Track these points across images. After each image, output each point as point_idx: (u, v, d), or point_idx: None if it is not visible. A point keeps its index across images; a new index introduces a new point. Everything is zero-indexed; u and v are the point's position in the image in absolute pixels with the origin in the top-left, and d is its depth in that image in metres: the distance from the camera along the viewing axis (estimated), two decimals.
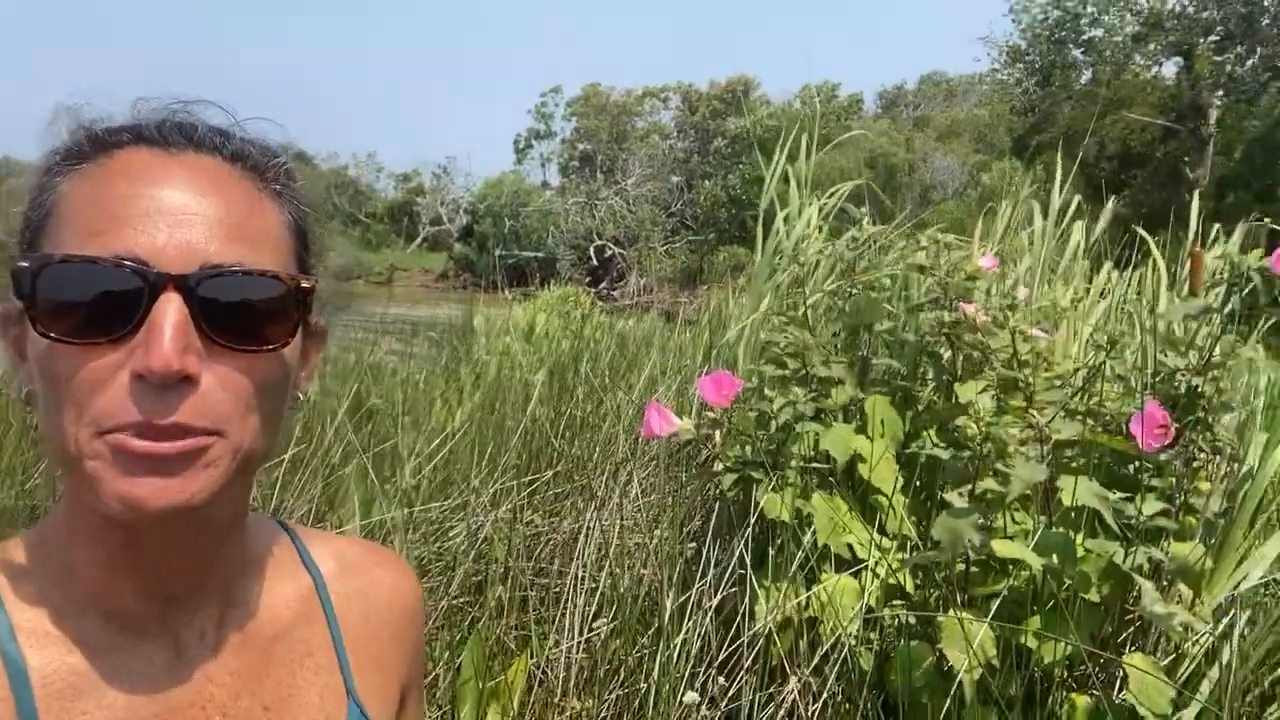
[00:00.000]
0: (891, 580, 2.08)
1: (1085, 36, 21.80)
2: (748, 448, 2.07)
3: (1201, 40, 17.53)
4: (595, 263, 29.21)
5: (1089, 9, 21.45)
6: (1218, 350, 2.15)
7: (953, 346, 2.39)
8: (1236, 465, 2.20)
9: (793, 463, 2.06)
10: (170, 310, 0.54)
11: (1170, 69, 20.59)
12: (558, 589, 2.29)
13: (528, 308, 10.26)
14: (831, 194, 2.94)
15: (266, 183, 0.62)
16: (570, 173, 33.82)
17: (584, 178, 31.65)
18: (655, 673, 1.84)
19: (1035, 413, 1.82)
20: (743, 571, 1.96)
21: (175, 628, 0.64)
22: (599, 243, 28.66)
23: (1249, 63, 16.62)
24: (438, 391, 4.57)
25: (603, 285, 26.65)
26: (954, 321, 2.29)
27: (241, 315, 0.57)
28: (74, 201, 0.57)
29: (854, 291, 2.39)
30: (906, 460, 2.29)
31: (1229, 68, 16.82)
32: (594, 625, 2.14)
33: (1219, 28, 17.16)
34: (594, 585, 2.25)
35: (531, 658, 2.10)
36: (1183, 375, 2.13)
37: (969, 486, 1.75)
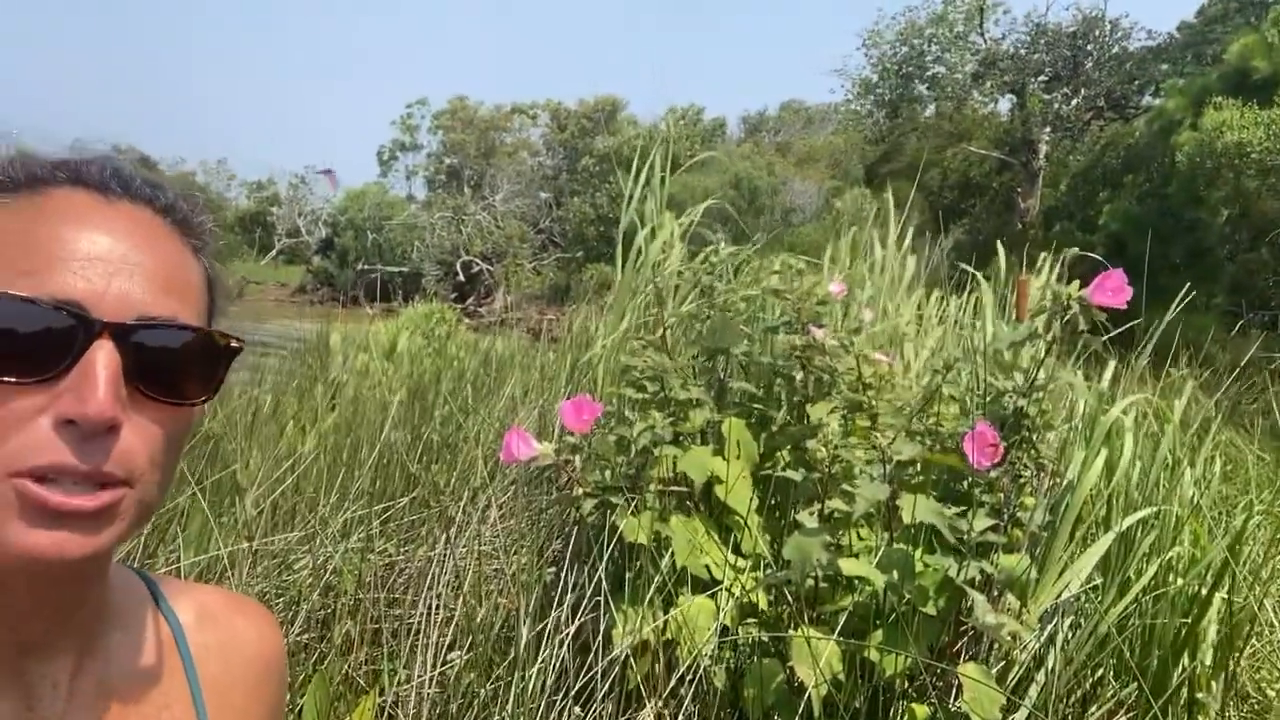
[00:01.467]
0: (746, 600, 2.12)
1: (930, 73, 23.22)
2: (607, 472, 2.07)
3: (1032, 80, 19.07)
4: (462, 279, 28.76)
5: (933, 47, 22.88)
6: (1041, 374, 2.31)
7: (804, 369, 2.47)
8: (1058, 481, 2.37)
9: (651, 486, 2.07)
10: (105, 358, 0.54)
11: (1005, 105, 22.23)
12: (411, 620, 2.21)
13: (390, 324, 9.98)
14: (685, 212, 3.00)
15: (189, 237, 0.64)
16: (437, 186, 33.21)
17: (450, 192, 31.13)
18: (510, 704, 1.81)
19: (879, 434, 1.90)
20: (600, 598, 1.96)
21: (28, 678, 0.61)
22: (466, 258, 28.23)
23: (1074, 102, 18.19)
24: (289, 414, 4.36)
25: (469, 302, 26.25)
26: (805, 345, 2.37)
27: (169, 368, 0.58)
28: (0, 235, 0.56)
29: (710, 314, 2.43)
30: (762, 481, 2.35)
31: (1056, 106, 18.36)
32: (448, 658, 2.08)
33: (1047, 69, 18.73)
34: (449, 615, 2.19)
35: (381, 695, 2.02)
36: (1010, 397, 2.27)
37: (818, 506, 1.81)
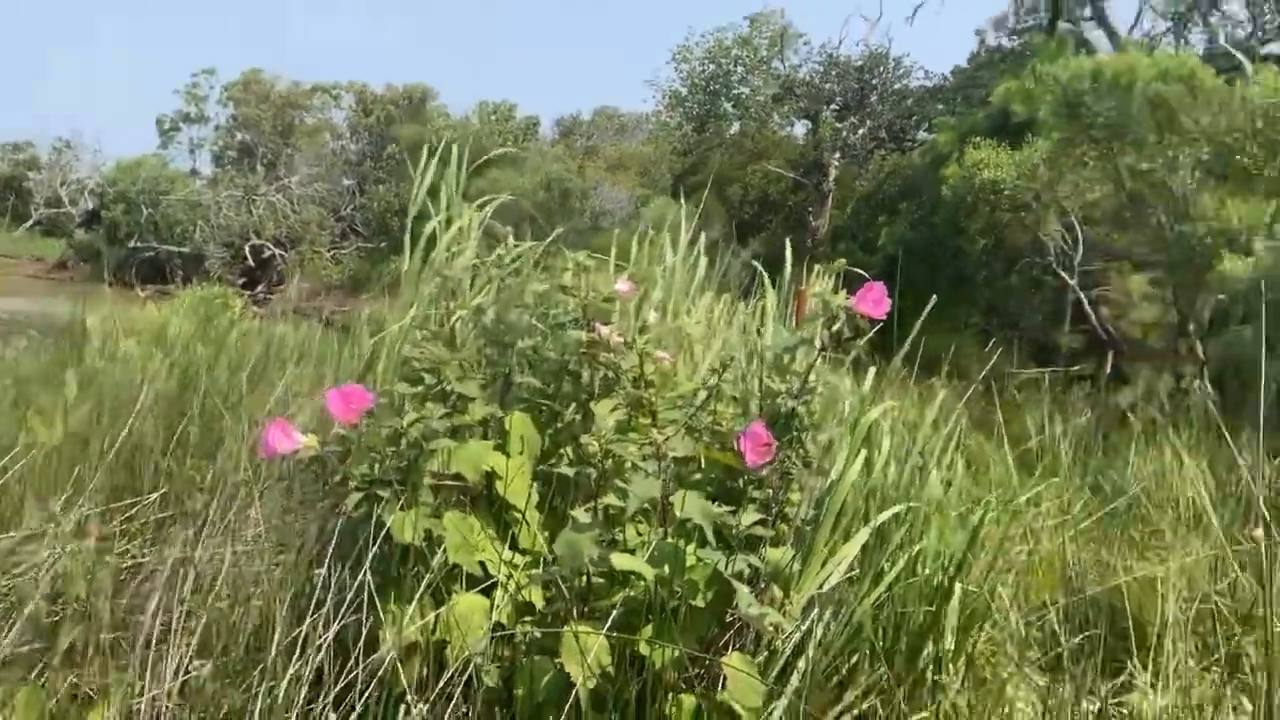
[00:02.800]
0: (522, 597, 2.09)
1: (735, 92, 24.25)
2: (377, 466, 1.98)
3: (825, 108, 20.42)
4: (251, 263, 26.86)
5: (738, 68, 23.92)
6: (812, 377, 2.44)
7: (590, 367, 2.47)
8: (823, 479, 2.51)
9: (424, 481, 2.00)
10: None
11: (801, 129, 23.61)
12: (159, 627, 2.01)
13: (164, 308, 9.16)
14: (483, 204, 2.94)
15: None
16: (225, 163, 30.85)
17: (241, 170, 29.02)
18: (258, 714, 1.67)
19: (656, 431, 1.93)
20: (363, 599, 1.86)
21: None
22: (256, 242, 26.40)
23: (860, 131, 19.68)
24: (33, 403, 3.87)
25: (259, 289, 24.58)
26: (590, 342, 2.37)
27: None
28: None
29: (497, 307, 2.39)
30: (546, 478, 2.33)
31: (845, 134, 19.79)
32: (193, 667, 1.91)
33: (838, 99, 20.14)
34: (199, 621, 2.01)
35: (110, 709, 1.81)
36: (783, 399, 2.38)
37: (594, 503, 1.81)
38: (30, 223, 32.47)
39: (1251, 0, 15.91)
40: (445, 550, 1.97)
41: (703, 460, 2.38)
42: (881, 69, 19.86)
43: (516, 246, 2.79)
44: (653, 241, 3.27)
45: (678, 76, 24.68)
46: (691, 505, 1.85)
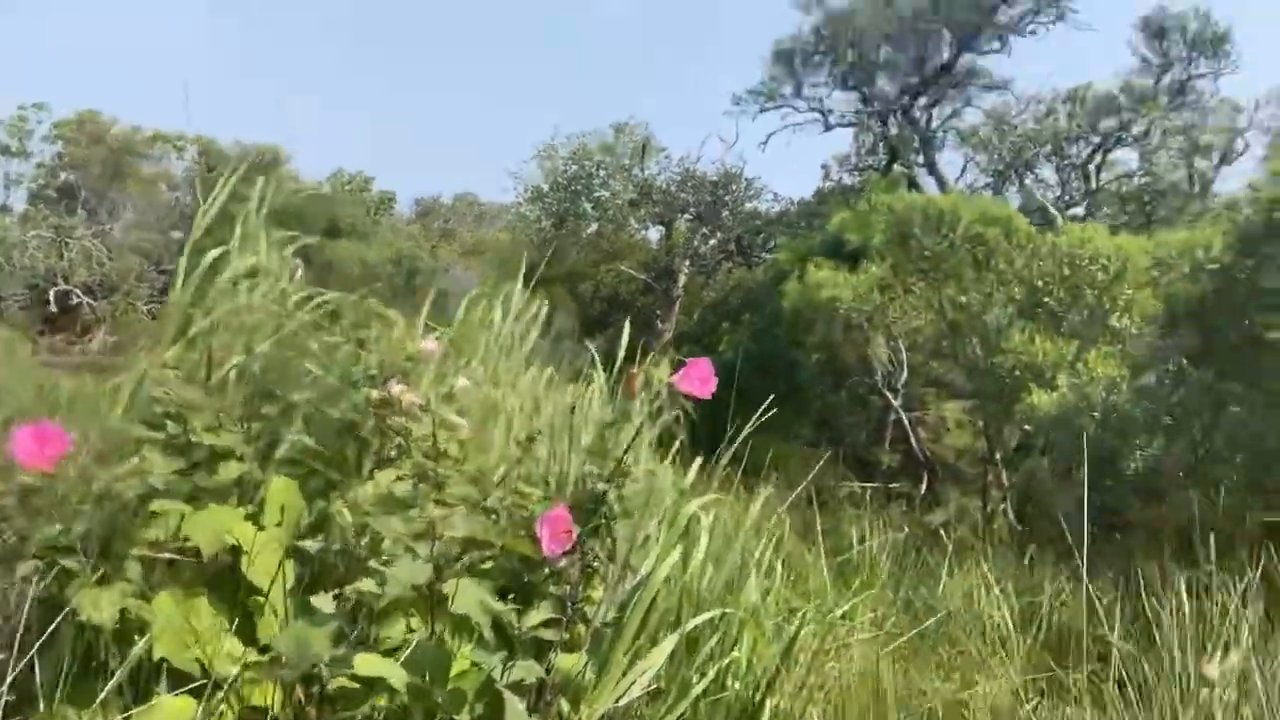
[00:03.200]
0: (256, 700, 1.70)
1: (595, 194, 24.74)
2: (73, 527, 1.57)
3: (679, 216, 21.11)
4: (55, 309, 24.55)
5: (600, 172, 24.47)
6: (631, 461, 2.21)
7: (380, 431, 2.16)
8: (632, 575, 2.26)
9: (133, 550, 1.60)
10: None
11: (655, 235, 24.24)
12: None
13: None
14: (289, 241, 2.59)
15: None
16: (40, 201, 28.42)
17: (57, 210, 26.77)
18: None
19: (432, 506, 1.63)
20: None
21: None
22: (63, 287, 24.20)
23: (711, 242, 20.40)
24: None
25: (59, 337, 22.40)
26: (380, 401, 2.07)
27: None
28: None
29: (270, 351, 2.05)
30: (303, 557, 1.96)
31: (696, 243, 20.44)
32: None
33: (692, 209, 20.89)
34: None
35: None
36: (593, 479, 2.14)
37: (340, 589, 1.48)
38: None
39: (1060, 167, 17.87)
40: (151, 640, 1.56)
41: (489, 546, 2.09)
42: (734, 186, 20.81)
43: (314, 292, 2.47)
44: (483, 307, 3.02)
45: (540, 172, 24.98)
46: (467, 596, 1.55)
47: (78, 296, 24.44)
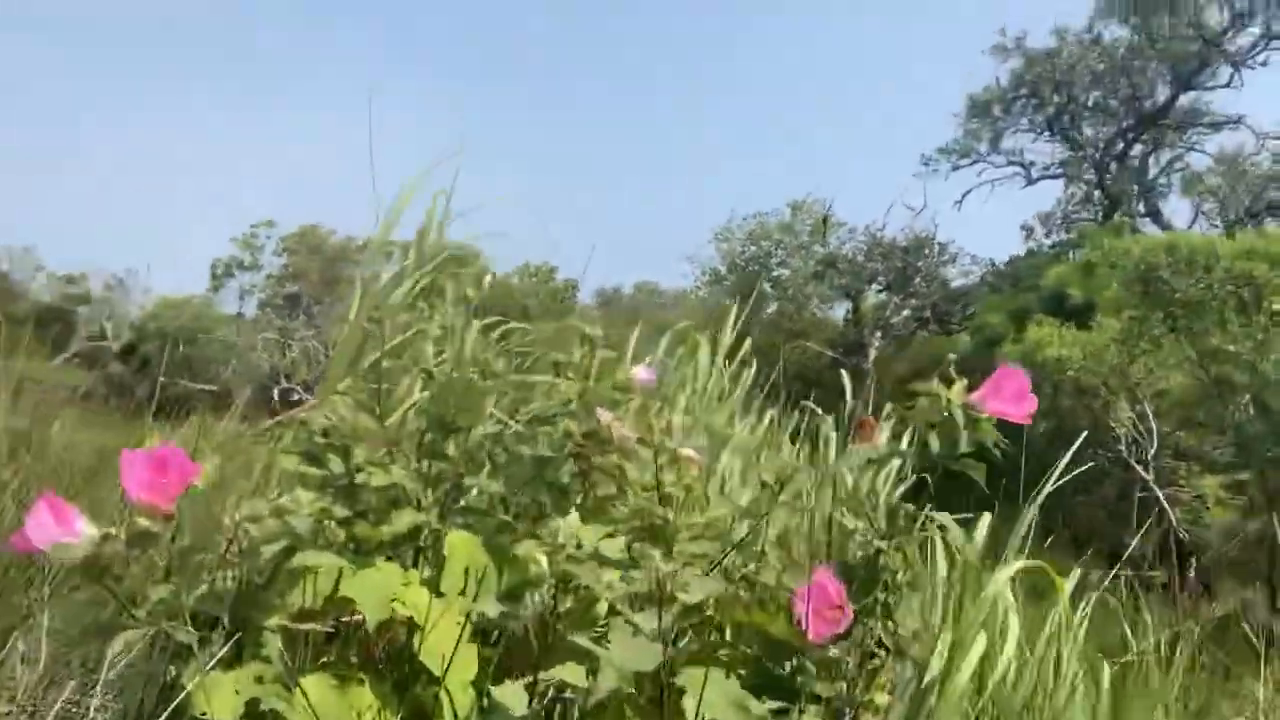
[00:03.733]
0: None
1: (774, 274, 24.33)
2: (202, 587, 1.19)
3: (867, 287, 20.22)
4: (279, 406, 26.72)
5: (779, 251, 24.08)
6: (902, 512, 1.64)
7: (582, 471, 1.71)
8: (915, 670, 1.66)
9: (273, 620, 1.20)
10: None
11: (840, 311, 23.40)
12: None
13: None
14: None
15: None
16: (268, 307, 31.42)
17: (281, 315, 29.44)
18: None
19: (659, 559, 1.13)
20: None
21: None
22: (285, 385, 26.29)
23: (904, 313, 19.33)
24: None
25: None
26: (588, 434, 1.62)
27: None
28: None
29: (448, 373, 1.65)
30: (491, 633, 1.51)
31: (887, 314, 19.42)
32: None
33: (880, 278, 19.95)
34: None
35: None
36: (862, 538, 1.58)
37: (534, 673, 1.01)
38: (69, 353, 32.84)
39: None
40: None
41: (733, 628, 1.57)
42: (927, 251, 19.74)
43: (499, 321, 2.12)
44: (688, 344, 2.59)
45: (718, 255, 24.90)
46: (718, 694, 1.03)
47: (299, 393, 26.46)
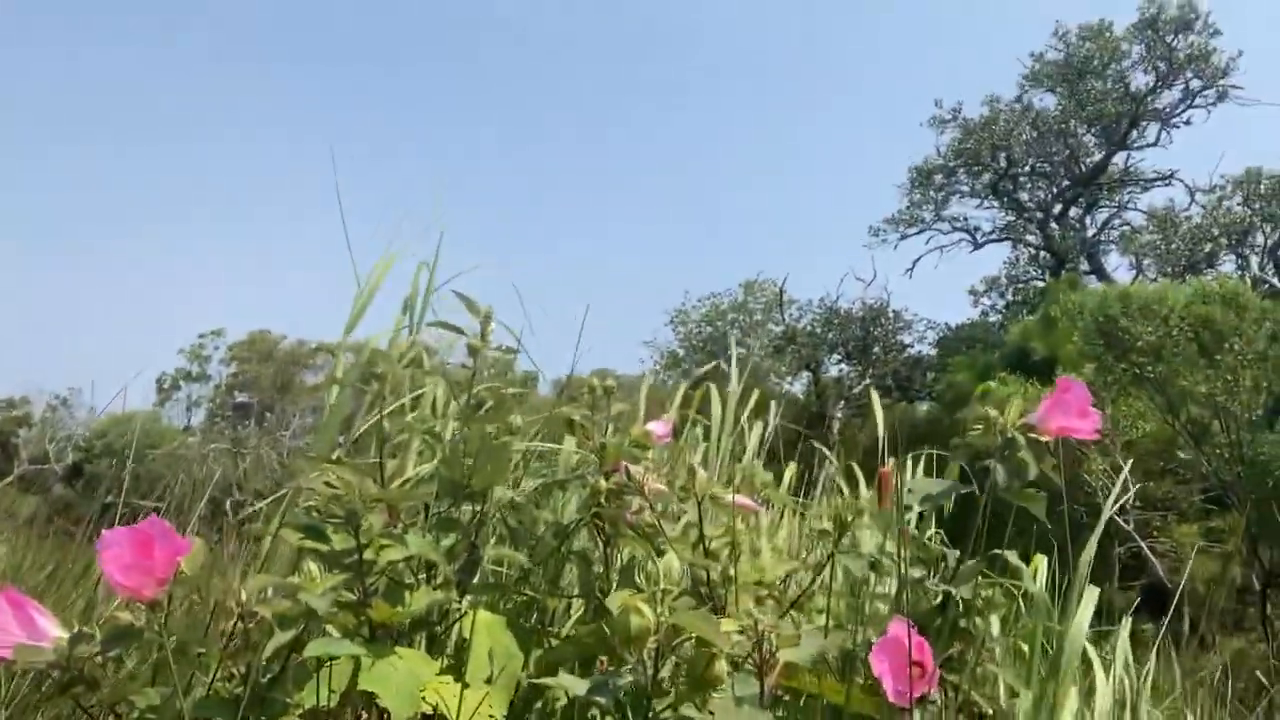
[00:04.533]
0: None
1: (731, 353, 24.43)
2: (192, 693, 0.99)
3: (826, 359, 20.38)
4: (233, 519, 25.72)
5: (734, 330, 24.26)
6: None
7: (605, 537, 1.55)
8: None
9: None
10: None
11: (799, 386, 23.50)
12: None
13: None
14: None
15: None
16: (218, 417, 30.66)
17: (232, 423, 28.71)
18: None
19: (754, 607, 0.97)
20: None
21: None
22: (238, 497, 25.41)
23: (865, 382, 19.47)
24: None
25: (233, 545, 23.28)
26: (615, 490, 1.46)
27: None
28: None
29: (460, 432, 1.49)
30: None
31: (849, 384, 19.55)
32: None
33: (839, 349, 20.14)
34: None
35: None
36: (933, 585, 1.42)
37: None
38: (10, 478, 31.50)
39: (1245, 258, 16.30)
40: None
41: (790, 697, 1.39)
42: (883, 320, 20.00)
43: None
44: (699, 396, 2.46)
45: (675, 338, 25.00)
46: None
47: (252, 504, 25.56)
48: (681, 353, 25.47)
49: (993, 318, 18.61)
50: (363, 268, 2.07)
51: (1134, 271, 16.81)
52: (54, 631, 1.01)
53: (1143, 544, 8.38)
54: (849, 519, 1.38)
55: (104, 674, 0.96)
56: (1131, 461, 10.57)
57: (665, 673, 0.84)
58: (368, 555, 1.29)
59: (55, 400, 34.63)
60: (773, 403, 2.55)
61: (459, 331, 1.64)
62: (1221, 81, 16.69)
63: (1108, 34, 17.01)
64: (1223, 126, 21.57)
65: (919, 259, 19.86)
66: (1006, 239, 19.24)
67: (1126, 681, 2.15)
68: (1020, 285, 19.14)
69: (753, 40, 39.51)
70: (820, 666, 1.40)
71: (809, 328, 20.79)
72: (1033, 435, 1.50)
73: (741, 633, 0.87)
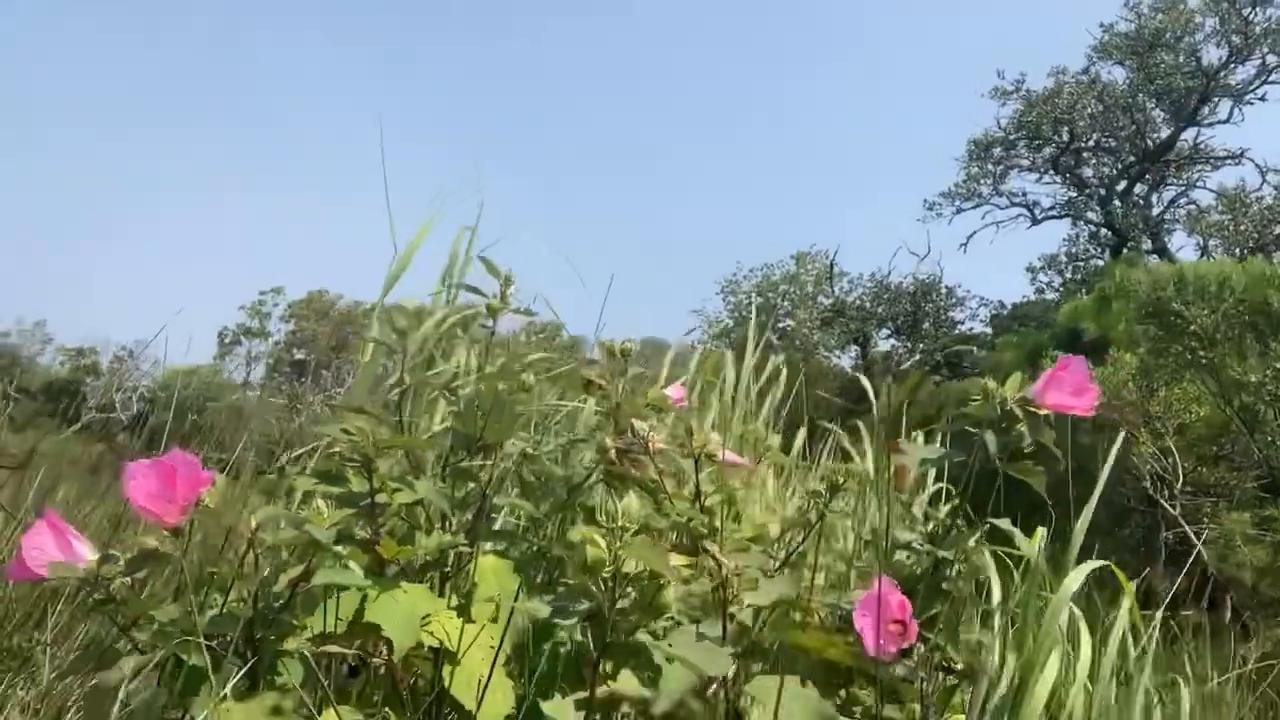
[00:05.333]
0: None
1: (781, 325, 24.30)
2: (207, 612, 1.09)
3: (875, 332, 20.19)
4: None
5: (784, 302, 24.09)
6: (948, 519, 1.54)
7: (612, 488, 1.62)
8: (988, 692, 1.53)
9: (292, 645, 1.09)
10: None
11: (847, 361, 23.31)
12: None
13: None
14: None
15: None
16: (276, 373, 31.49)
17: (289, 379, 29.48)
18: None
19: (719, 553, 1.03)
20: None
21: None
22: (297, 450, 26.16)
23: (914, 357, 19.25)
24: None
25: None
26: (623, 448, 1.53)
27: None
28: None
29: (473, 384, 1.57)
30: (525, 660, 1.40)
31: (897, 359, 19.35)
32: None
33: (889, 323, 19.93)
34: None
35: None
36: (918, 549, 1.47)
37: (591, 688, 0.90)
38: (78, 425, 32.82)
39: None
40: None
41: (779, 651, 1.45)
42: (934, 295, 19.71)
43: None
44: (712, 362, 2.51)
45: (724, 307, 24.91)
46: (796, 702, 0.92)
47: (309, 459, 26.29)
48: (731, 323, 25.39)
49: (1049, 296, 18.18)
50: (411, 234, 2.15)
51: (1200, 252, 16.28)
52: (88, 555, 1.11)
53: (1188, 528, 8.22)
54: (840, 481, 1.43)
55: (132, 594, 1.06)
56: (1183, 446, 10.35)
57: (626, 604, 0.91)
58: (381, 498, 1.38)
59: (122, 351, 35.88)
60: (783, 371, 2.58)
61: (480, 294, 1.71)
62: None
63: (1181, 5, 16.34)
64: None
65: (974, 234, 19.47)
66: (1066, 215, 18.73)
67: (1132, 655, 2.17)
68: (1079, 263, 18.65)
69: (817, 6, 38.77)
70: (808, 620, 1.46)
71: (859, 301, 20.57)
72: (1030, 409, 1.52)
73: (707, 575, 0.94)
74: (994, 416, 1.52)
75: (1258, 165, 16.89)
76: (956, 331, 19.39)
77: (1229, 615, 9.18)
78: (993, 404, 1.52)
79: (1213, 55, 16.56)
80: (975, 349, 18.23)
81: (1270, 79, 16.27)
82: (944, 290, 19.79)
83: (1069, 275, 18.61)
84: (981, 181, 18.79)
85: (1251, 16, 15.84)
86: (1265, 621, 9.24)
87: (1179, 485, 8.67)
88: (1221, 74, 16.32)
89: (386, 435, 1.36)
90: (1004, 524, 1.53)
